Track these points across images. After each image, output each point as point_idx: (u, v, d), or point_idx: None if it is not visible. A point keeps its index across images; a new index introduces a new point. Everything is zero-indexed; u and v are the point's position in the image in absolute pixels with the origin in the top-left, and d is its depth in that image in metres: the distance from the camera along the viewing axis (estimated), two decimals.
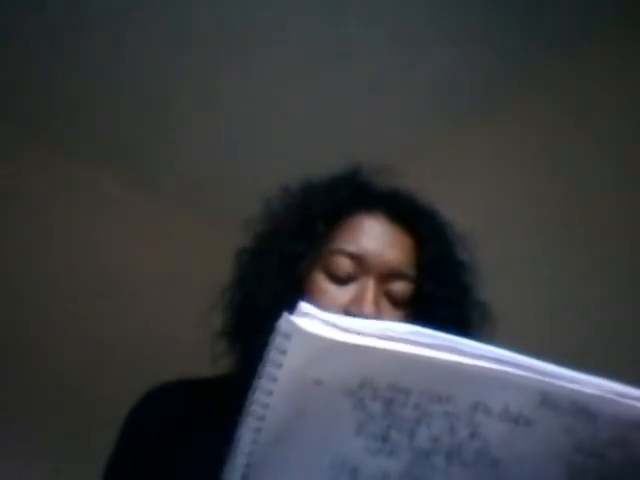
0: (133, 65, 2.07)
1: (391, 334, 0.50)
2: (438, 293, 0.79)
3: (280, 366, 0.50)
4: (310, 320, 0.50)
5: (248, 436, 0.52)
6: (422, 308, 0.79)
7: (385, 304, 0.78)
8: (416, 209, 0.85)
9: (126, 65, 2.07)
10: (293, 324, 0.49)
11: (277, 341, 0.50)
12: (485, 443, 0.53)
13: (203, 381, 0.83)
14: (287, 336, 0.49)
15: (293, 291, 0.77)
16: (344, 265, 0.78)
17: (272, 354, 0.50)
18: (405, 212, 0.84)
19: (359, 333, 0.50)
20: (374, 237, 0.80)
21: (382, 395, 0.52)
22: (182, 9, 1.86)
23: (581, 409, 0.51)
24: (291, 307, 0.75)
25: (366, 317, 0.73)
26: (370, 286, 0.77)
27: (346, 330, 0.50)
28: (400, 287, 0.79)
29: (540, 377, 0.51)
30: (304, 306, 0.50)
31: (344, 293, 0.77)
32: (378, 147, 1.66)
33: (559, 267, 1.67)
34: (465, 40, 1.85)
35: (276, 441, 0.53)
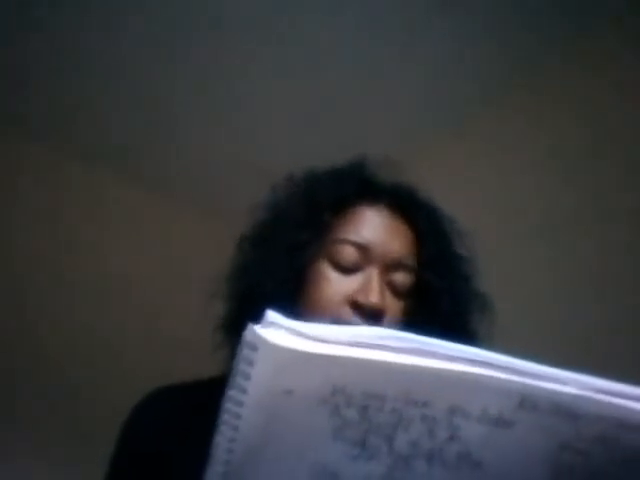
0: (133, 65, 2.07)
1: (360, 340, 0.49)
2: (438, 285, 0.80)
3: (249, 377, 0.49)
4: (276, 330, 0.48)
5: (223, 445, 0.52)
6: (423, 299, 0.80)
7: (388, 294, 0.78)
8: (417, 203, 0.86)
9: (126, 65, 2.07)
10: (258, 336, 0.48)
11: (244, 352, 0.48)
12: (465, 445, 0.52)
13: (200, 383, 0.83)
14: (253, 347, 0.48)
15: (297, 281, 0.78)
16: (349, 254, 0.78)
17: (240, 365, 0.49)
18: (406, 206, 0.84)
19: (327, 341, 0.48)
20: (377, 228, 0.81)
21: (356, 402, 0.50)
22: (182, 8, 1.86)
23: (562, 409, 0.50)
24: (294, 297, 0.75)
25: (373, 306, 0.75)
26: (375, 276, 0.77)
27: (314, 339, 0.48)
28: (402, 278, 0.79)
29: (518, 378, 0.49)
30: (270, 315, 0.48)
31: (349, 282, 0.78)
32: (378, 145, 1.66)
33: (561, 262, 1.67)
34: (466, 38, 1.85)
35: (252, 450, 0.52)
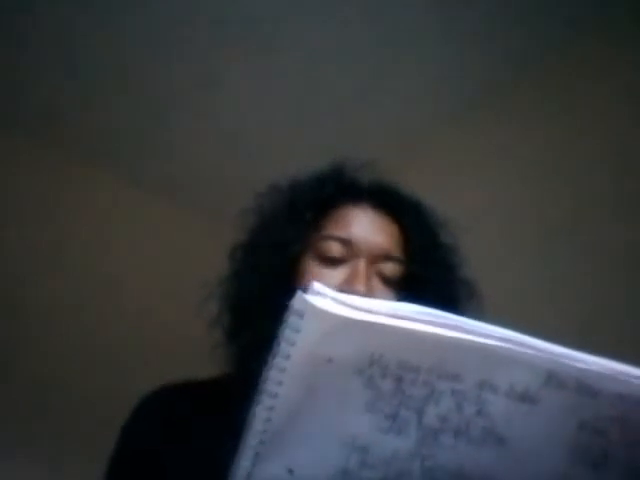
0: (133, 65, 2.07)
1: (401, 313, 0.51)
2: (425, 276, 0.81)
3: (293, 344, 0.51)
4: (323, 298, 0.50)
5: (262, 414, 0.53)
6: (411, 288, 0.80)
7: (377, 283, 0.79)
8: (400, 199, 0.88)
9: (126, 65, 2.07)
10: (306, 302, 0.50)
11: (290, 319, 0.50)
12: (491, 421, 0.53)
13: (201, 383, 0.83)
14: (300, 314, 0.50)
15: (286, 280, 0.79)
16: (335, 248, 0.80)
17: (286, 332, 0.51)
18: (389, 203, 0.86)
19: (369, 311, 0.51)
20: (362, 224, 0.82)
21: (392, 373, 0.52)
22: (182, 8, 1.87)
23: (585, 387, 0.52)
24: (285, 297, 0.76)
25: (358, 295, 0.74)
26: (361, 266, 0.78)
27: (357, 308, 0.51)
28: (391, 267, 0.81)
29: (546, 356, 0.52)
30: (316, 285, 0.51)
31: (336, 275, 0.79)
32: (377, 145, 1.67)
33: (559, 255, 1.67)
34: (466, 38, 1.85)
35: (288, 420, 0.53)
